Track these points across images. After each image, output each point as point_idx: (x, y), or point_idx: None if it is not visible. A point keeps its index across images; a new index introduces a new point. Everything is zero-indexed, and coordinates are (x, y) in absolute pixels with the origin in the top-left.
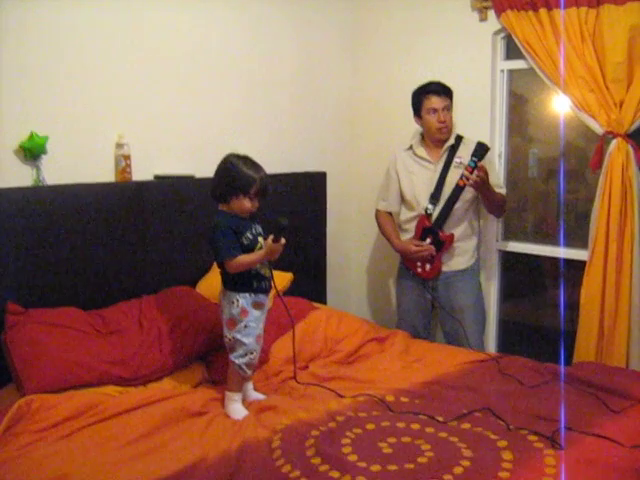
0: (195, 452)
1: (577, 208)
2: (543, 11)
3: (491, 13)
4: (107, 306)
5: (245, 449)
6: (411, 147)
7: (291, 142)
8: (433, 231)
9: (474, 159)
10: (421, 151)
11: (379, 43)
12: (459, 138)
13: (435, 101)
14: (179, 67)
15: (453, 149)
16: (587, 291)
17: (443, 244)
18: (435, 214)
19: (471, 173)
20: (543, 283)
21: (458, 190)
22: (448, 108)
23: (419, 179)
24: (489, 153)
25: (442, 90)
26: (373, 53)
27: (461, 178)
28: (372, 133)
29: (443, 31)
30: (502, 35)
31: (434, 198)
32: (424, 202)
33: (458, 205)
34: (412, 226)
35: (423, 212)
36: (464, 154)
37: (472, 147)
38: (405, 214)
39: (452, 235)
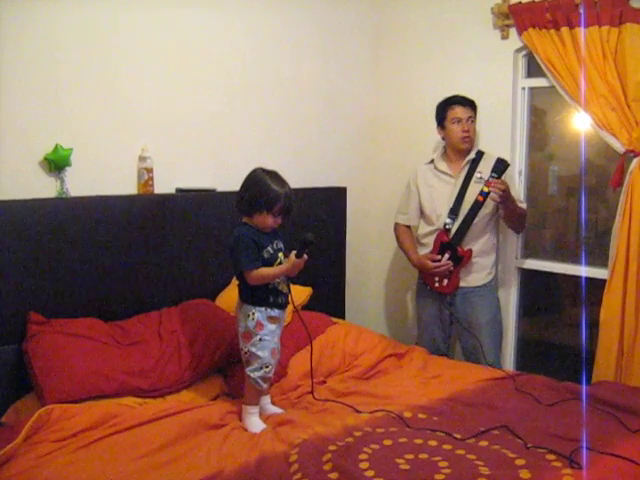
0: (213, 464)
1: (597, 226)
2: (565, 29)
3: (513, 31)
4: (127, 318)
5: (262, 462)
6: (432, 161)
7: (312, 157)
8: (451, 246)
9: (493, 175)
10: (442, 165)
11: (401, 60)
12: (480, 153)
13: (459, 111)
14: (202, 82)
15: (474, 163)
16: (607, 310)
17: (461, 259)
18: (454, 229)
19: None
20: (562, 301)
21: (477, 206)
22: (472, 119)
23: (439, 193)
24: (509, 169)
25: (466, 102)
26: (395, 70)
27: (480, 194)
28: (393, 149)
29: (465, 49)
30: (523, 53)
31: (453, 213)
32: (443, 216)
33: (477, 220)
34: (430, 240)
35: (442, 227)
36: (484, 169)
37: (492, 163)
38: (424, 228)
39: (470, 250)
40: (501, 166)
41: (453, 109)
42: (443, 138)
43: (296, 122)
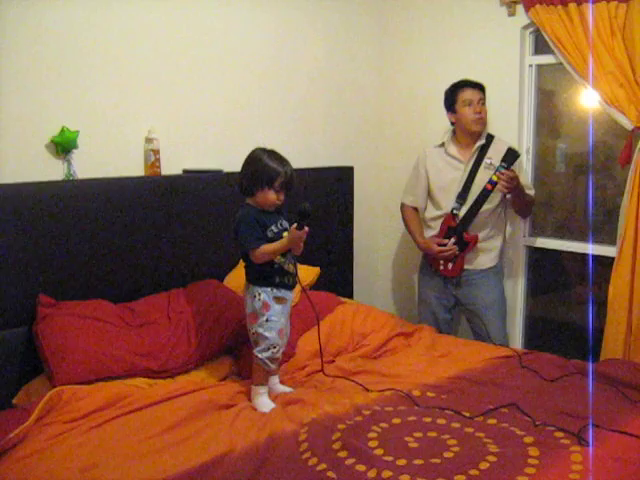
0: (223, 444)
1: (605, 204)
2: (572, 5)
3: (520, 8)
4: (136, 299)
5: (272, 441)
6: (443, 144)
7: (319, 137)
8: (458, 231)
9: (503, 164)
10: (453, 149)
11: (407, 38)
12: (490, 137)
13: (470, 93)
14: (208, 62)
15: (483, 148)
16: (615, 288)
17: (467, 245)
18: (461, 214)
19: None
20: (570, 279)
21: (485, 194)
22: (482, 102)
23: (448, 178)
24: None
25: (476, 84)
26: (401, 48)
27: (489, 182)
28: (400, 128)
29: (472, 26)
30: (531, 30)
31: (461, 198)
32: (451, 201)
33: (485, 207)
34: (437, 224)
35: (449, 211)
36: (494, 155)
37: (502, 148)
38: (432, 212)
39: (476, 236)
40: (512, 157)
41: (464, 91)
42: (452, 123)
43: (303, 102)
